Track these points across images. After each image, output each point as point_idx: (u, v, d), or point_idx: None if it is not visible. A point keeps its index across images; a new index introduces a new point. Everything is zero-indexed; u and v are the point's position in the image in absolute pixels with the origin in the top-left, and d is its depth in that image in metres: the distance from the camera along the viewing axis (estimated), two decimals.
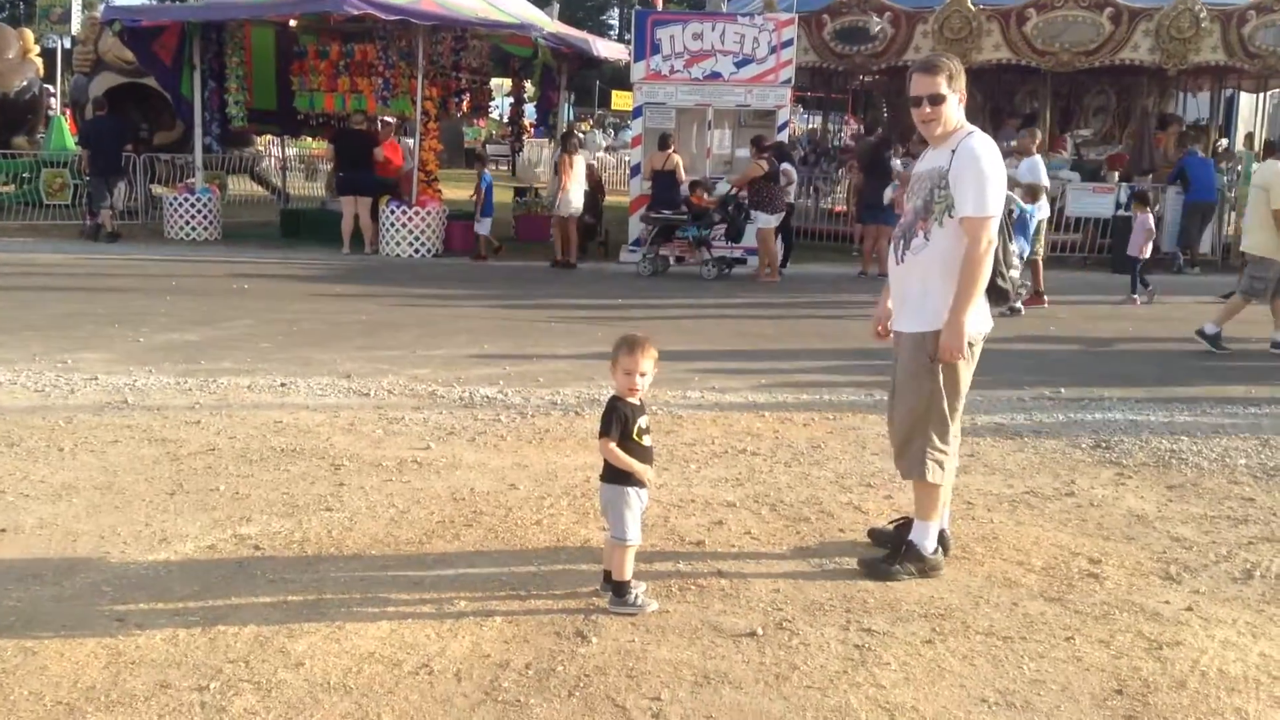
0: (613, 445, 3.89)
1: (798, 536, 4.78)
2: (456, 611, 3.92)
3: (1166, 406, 7.37)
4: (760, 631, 3.82)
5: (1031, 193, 11.42)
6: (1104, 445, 6.35)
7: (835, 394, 7.53)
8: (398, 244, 14.74)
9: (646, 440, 3.96)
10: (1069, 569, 4.47)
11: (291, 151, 22.59)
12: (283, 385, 7.34)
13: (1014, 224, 11.05)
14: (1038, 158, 12.47)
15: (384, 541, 4.56)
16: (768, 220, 13.40)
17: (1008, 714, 3.32)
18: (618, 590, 3.93)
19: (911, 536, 4.38)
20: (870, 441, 6.26)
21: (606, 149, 24.68)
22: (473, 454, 5.86)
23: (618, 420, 3.89)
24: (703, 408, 7.11)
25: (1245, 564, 4.56)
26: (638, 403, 3.95)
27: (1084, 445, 6.36)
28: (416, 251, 14.72)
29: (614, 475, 3.94)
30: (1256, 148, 18.87)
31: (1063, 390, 7.82)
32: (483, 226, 14.73)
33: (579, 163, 14.68)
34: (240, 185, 21.07)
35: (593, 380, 7.66)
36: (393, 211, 14.78)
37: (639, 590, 3.95)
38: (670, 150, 14.31)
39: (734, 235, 13.73)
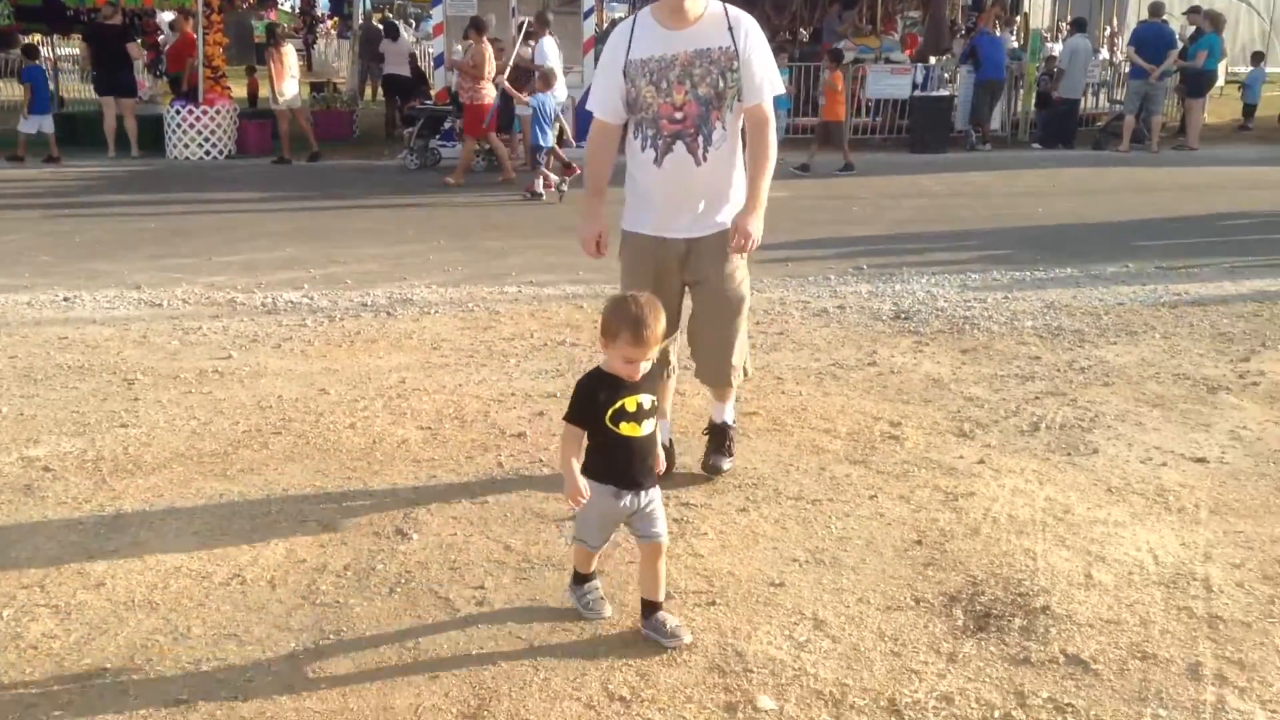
0: (566, 433, 3.05)
1: None
2: (269, 520, 3.80)
3: (961, 276, 7.73)
4: None
5: (545, 80, 11.55)
6: (903, 316, 6.62)
7: None
8: (186, 146, 13.88)
9: (629, 427, 2.97)
10: (872, 433, 4.67)
11: (63, 51, 20.84)
12: (66, 300, 6.87)
13: (534, 119, 11.31)
14: (547, 40, 12.57)
15: (186, 455, 4.37)
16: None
17: (816, 571, 3.47)
18: (574, 578, 3.25)
19: (725, 419, 4.34)
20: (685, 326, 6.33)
21: (416, 41, 23.71)
22: (278, 361, 5.64)
23: (583, 401, 2.99)
24: (520, 301, 7.04)
25: (1032, 417, 4.86)
26: (630, 381, 2.98)
27: (885, 317, 6.61)
28: (208, 153, 13.91)
29: (588, 465, 3.06)
30: (1036, 26, 19.70)
31: (865, 266, 8.10)
32: (29, 125, 13.68)
33: (290, 53, 14.08)
34: (8, 90, 19.35)
35: (405, 280, 7.45)
36: (178, 112, 13.88)
37: (592, 593, 3.21)
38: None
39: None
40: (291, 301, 6.89)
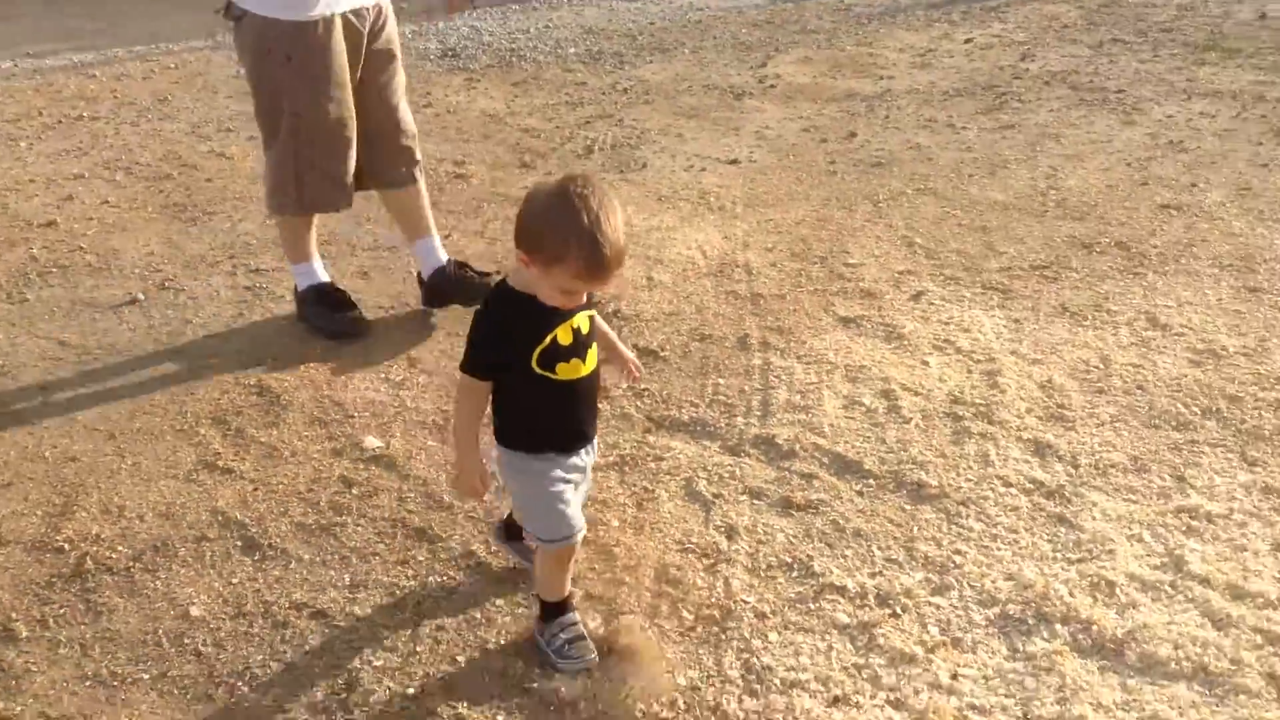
0: (463, 391, 2.01)
1: (162, 195, 4.46)
2: None
3: (503, 9, 7.68)
4: (142, 296, 3.60)
5: None
6: (452, 54, 6.53)
7: (174, 41, 6.86)
8: None
9: (568, 368, 1.97)
10: (439, 174, 4.68)
11: None
12: None
13: None
14: None
15: None
16: None
17: (399, 317, 3.53)
18: (545, 612, 2.17)
19: (442, 257, 3.52)
20: (220, 85, 5.87)
21: None
22: None
23: (490, 342, 1.97)
24: (18, 77, 6.14)
25: (586, 141, 5.07)
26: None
27: (433, 56, 6.49)
28: None
29: (505, 434, 2.06)
30: None
31: (405, 5, 7.81)
32: None
33: None
34: None
35: None
36: None
37: (567, 629, 2.13)
38: None
39: None
40: None
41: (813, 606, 2.27)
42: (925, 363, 3.16)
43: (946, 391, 3.01)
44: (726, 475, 2.68)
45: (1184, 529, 2.45)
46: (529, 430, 2.03)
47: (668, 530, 2.50)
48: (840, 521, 2.52)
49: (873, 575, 2.35)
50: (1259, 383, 2.98)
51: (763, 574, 2.36)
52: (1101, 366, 3.10)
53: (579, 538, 2.06)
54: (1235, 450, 2.71)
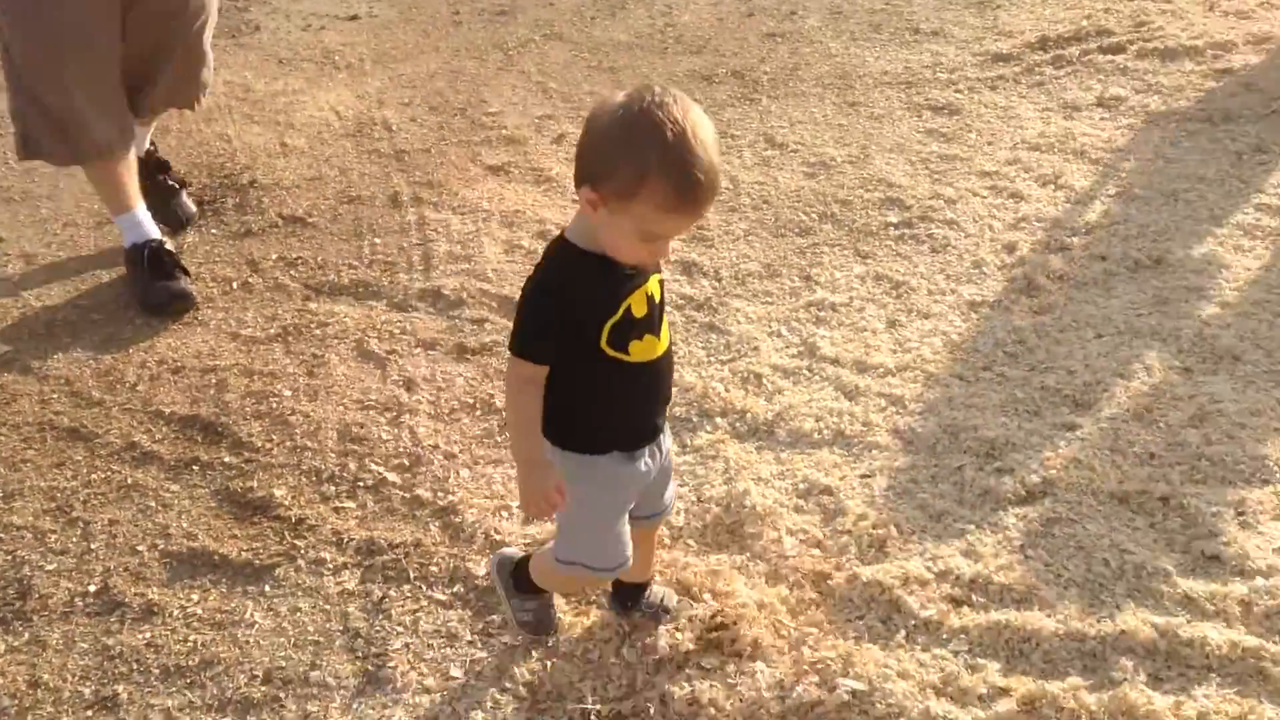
0: (516, 381, 1.57)
1: None
2: None
3: None
4: None
5: None
6: None
7: None
8: None
9: (642, 346, 1.58)
10: None
11: None
12: None
13: None
14: None
15: None
16: None
17: (11, 209, 3.18)
18: (521, 583, 1.88)
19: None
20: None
21: None
22: None
23: (552, 315, 1.52)
24: None
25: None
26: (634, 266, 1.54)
27: None
28: None
29: (558, 431, 1.64)
30: None
31: None
32: None
33: None
34: None
35: None
36: None
37: (543, 612, 1.92)
38: None
39: None
40: None
41: (499, 440, 2.35)
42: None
43: None
44: (397, 331, 2.68)
45: (814, 320, 2.73)
46: (591, 426, 1.64)
47: (345, 391, 2.48)
48: None
49: None
50: (864, 186, 3.33)
51: (446, 418, 2.42)
52: (731, 188, 3.34)
53: (618, 567, 1.72)
54: (849, 247, 3.04)
